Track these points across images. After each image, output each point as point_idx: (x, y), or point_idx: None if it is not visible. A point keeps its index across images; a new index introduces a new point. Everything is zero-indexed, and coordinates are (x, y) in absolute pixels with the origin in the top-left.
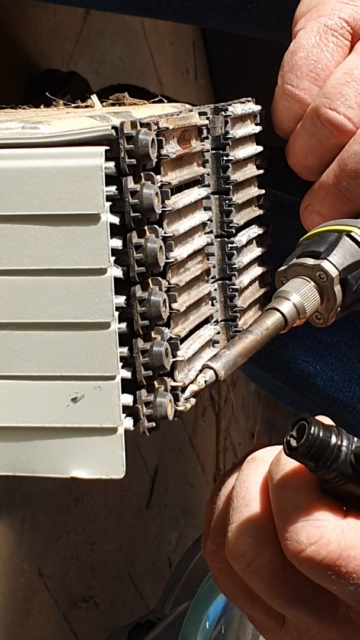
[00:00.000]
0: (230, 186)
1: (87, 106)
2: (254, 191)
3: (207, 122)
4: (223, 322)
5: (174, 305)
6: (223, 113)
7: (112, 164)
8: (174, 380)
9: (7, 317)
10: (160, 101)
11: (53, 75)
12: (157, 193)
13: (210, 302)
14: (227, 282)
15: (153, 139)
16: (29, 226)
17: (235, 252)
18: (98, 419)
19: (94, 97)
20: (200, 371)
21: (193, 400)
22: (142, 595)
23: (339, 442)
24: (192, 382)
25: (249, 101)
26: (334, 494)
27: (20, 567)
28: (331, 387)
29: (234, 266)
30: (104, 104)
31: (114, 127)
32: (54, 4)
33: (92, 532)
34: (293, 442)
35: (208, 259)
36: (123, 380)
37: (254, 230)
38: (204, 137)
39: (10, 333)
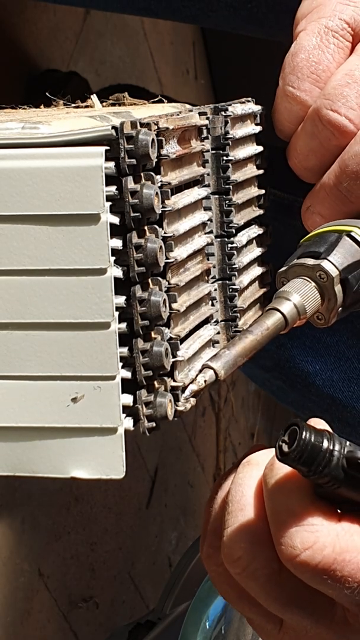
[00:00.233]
0: (230, 186)
1: (87, 106)
2: (254, 191)
3: (207, 122)
4: (223, 322)
5: (174, 305)
6: (223, 113)
7: (112, 164)
8: (174, 380)
9: (7, 317)
10: (160, 101)
11: (53, 75)
12: (157, 193)
13: (210, 302)
14: (227, 282)
15: (153, 139)
16: (29, 226)
17: (235, 252)
18: (98, 419)
19: (94, 97)
20: (200, 371)
21: (193, 401)
22: (142, 595)
23: (331, 447)
24: (192, 382)
25: (249, 101)
26: (328, 498)
27: (20, 567)
28: (330, 387)
29: (234, 266)
30: (104, 104)
31: (114, 127)
32: (54, 4)
33: (92, 532)
34: (285, 448)
35: (208, 259)
36: (123, 380)
37: (254, 230)
38: (204, 137)
39: (10, 333)
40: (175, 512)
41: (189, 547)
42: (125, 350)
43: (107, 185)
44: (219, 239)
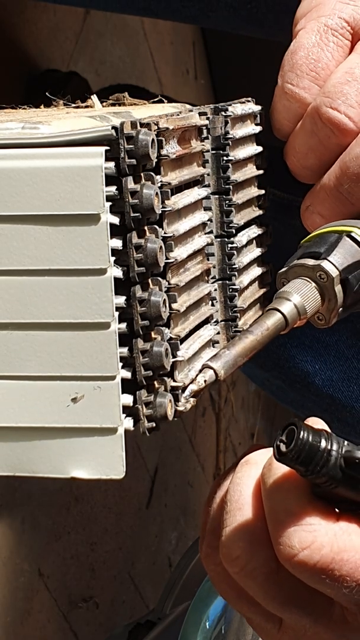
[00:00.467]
0: (230, 186)
1: (87, 106)
2: (254, 191)
3: (207, 122)
4: (223, 322)
5: (174, 306)
6: (223, 113)
7: (112, 164)
8: (174, 381)
9: (7, 317)
10: (160, 101)
11: (53, 75)
12: (157, 193)
13: (210, 302)
14: (227, 282)
15: (153, 139)
16: (29, 226)
17: (235, 252)
18: (98, 419)
19: (94, 97)
20: (200, 371)
21: (193, 401)
22: (142, 595)
23: (329, 447)
24: (192, 382)
25: (249, 101)
26: (326, 497)
27: (20, 567)
28: (330, 387)
29: (234, 266)
30: (104, 104)
31: (114, 127)
32: (54, 4)
33: (92, 532)
34: (283, 447)
35: (208, 259)
36: (123, 380)
37: (254, 231)
38: (204, 137)
39: (10, 333)
40: (175, 512)
41: (189, 547)
42: (125, 350)
43: (107, 185)
44: (219, 239)
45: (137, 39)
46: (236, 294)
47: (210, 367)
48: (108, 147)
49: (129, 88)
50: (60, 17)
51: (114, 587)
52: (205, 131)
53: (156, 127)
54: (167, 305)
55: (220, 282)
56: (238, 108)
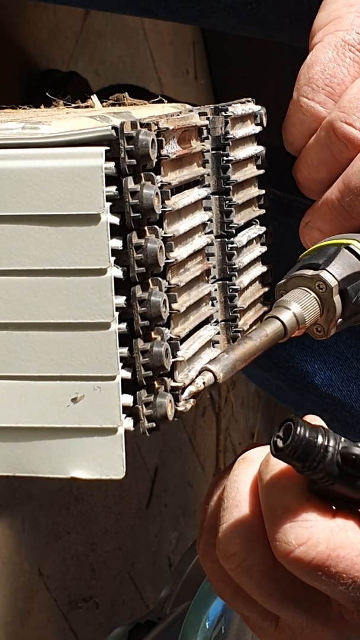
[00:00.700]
0: (231, 186)
1: (87, 106)
2: (254, 191)
3: (207, 122)
4: (223, 323)
5: (174, 306)
6: (223, 113)
7: (112, 164)
8: (174, 381)
9: (7, 317)
10: (160, 101)
11: (53, 75)
12: (157, 193)
13: (210, 303)
14: (227, 282)
15: (153, 140)
16: (29, 226)
17: (235, 252)
18: (98, 420)
19: (94, 97)
20: (199, 373)
21: (193, 401)
22: (142, 595)
23: (326, 443)
24: (190, 384)
25: (249, 101)
26: (323, 494)
27: (20, 567)
28: (329, 386)
29: (234, 266)
30: (104, 104)
31: (114, 128)
32: (54, 4)
33: (92, 532)
34: (280, 443)
35: (208, 259)
36: (123, 380)
37: (254, 231)
38: (204, 137)
39: (11, 333)
40: (175, 512)
41: (189, 547)
42: (125, 350)
43: (107, 185)
44: (219, 239)
45: (137, 39)
46: (236, 294)
47: (209, 370)
48: (108, 147)
49: (129, 88)
50: (60, 17)
51: (114, 587)
52: (205, 131)
53: (156, 127)
54: (167, 305)
55: (220, 282)
56: (238, 108)
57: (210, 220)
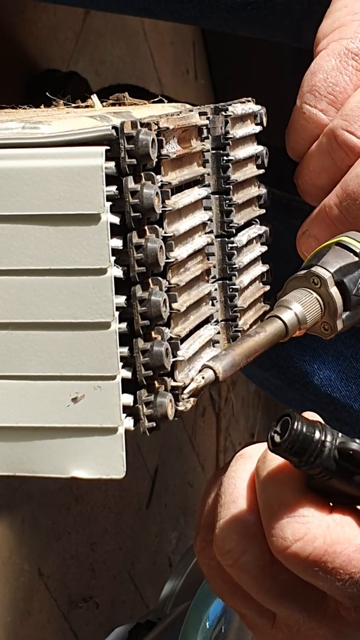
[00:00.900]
0: (231, 186)
1: (87, 106)
2: (254, 191)
3: (207, 122)
4: (223, 322)
5: (174, 305)
6: (223, 113)
7: (112, 164)
8: (174, 380)
9: (8, 317)
10: (161, 101)
11: (53, 75)
12: (157, 193)
13: (210, 302)
14: (228, 282)
15: (153, 139)
16: (29, 226)
17: (235, 252)
18: (98, 419)
19: (94, 97)
20: (200, 371)
21: (193, 400)
22: (142, 595)
23: (323, 438)
24: (191, 381)
25: (249, 101)
26: (320, 489)
27: (20, 567)
28: (328, 386)
29: (234, 266)
30: (104, 104)
31: (114, 127)
32: (53, 4)
33: (92, 532)
34: (277, 438)
35: (208, 259)
36: (123, 380)
37: (254, 230)
38: (204, 137)
39: (11, 333)
40: (175, 512)
41: (189, 547)
42: (125, 350)
43: (107, 185)
44: (219, 239)
45: (137, 39)
46: (236, 293)
47: (210, 367)
48: (108, 147)
49: (129, 88)
50: (60, 17)
51: (114, 587)
52: (205, 131)
53: (156, 127)
54: (168, 305)
55: (220, 281)
56: (238, 108)
57: (210, 219)
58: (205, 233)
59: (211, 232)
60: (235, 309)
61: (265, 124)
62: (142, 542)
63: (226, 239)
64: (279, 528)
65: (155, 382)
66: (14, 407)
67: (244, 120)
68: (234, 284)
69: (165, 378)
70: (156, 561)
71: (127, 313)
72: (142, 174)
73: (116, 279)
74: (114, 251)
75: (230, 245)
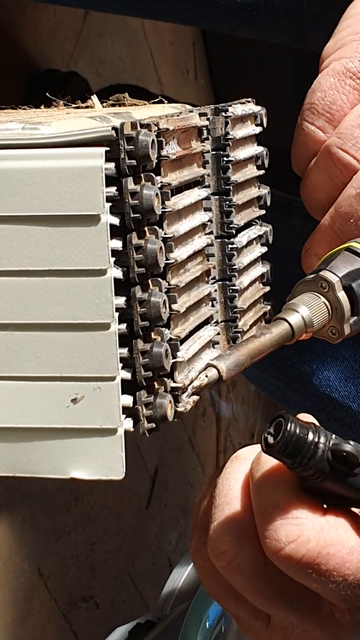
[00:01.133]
0: (231, 187)
1: (87, 106)
2: (254, 192)
3: (207, 123)
4: (223, 323)
5: (174, 306)
6: (223, 114)
7: (112, 165)
8: (174, 381)
9: (7, 318)
10: (161, 102)
11: (53, 75)
12: (157, 194)
13: (210, 303)
14: (227, 283)
15: (153, 140)
16: (29, 227)
17: (235, 252)
18: (98, 420)
19: (94, 98)
20: (204, 369)
21: (193, 401)
22: (142, 595)
23: (316, 439)
24: (194, 379)
25: (249, 102)
26: (314, 491)
27: (20, 567)
28: (327, 386)
29: (234, 267)
30: (104, 104)
31: (114, 128)
32: (53, 4)
33: (92, 532)
34: (270, 439)
35: (208, 260)
36: (123, 381)
37: (254, 231)
38: (204, 137)
39: (11, 334)
40: (175, 512)
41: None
42: (125, 351)
43: (107, 186)
44: (219, 240)
45: (137, 39)
46: (236, 294)
47: (214, 366)
48: (108, 148)
49: (129, 88)
50: (60, 17)
51: (114, 587)
52: (205, 132)
53: (156, 128)
54: (167, 306)
55: (220, 282)
56: (238, 109)
57: (210, 220)
58: (205, 234)
59: (211, 233)
60: (235, 309)
61: (265, 125)
62: (142, 542)
63: (226, 240)
64: (273, 530)
65: (155, 383)
66: (14, 407)
67: (244, 121)
68: (234, 285)
69: (165, 379)
70: (156, 561)
71: (127, 314)
72: (142, 175)
73: (116, 280)
74: (114, 252)
75: (230, 246)
